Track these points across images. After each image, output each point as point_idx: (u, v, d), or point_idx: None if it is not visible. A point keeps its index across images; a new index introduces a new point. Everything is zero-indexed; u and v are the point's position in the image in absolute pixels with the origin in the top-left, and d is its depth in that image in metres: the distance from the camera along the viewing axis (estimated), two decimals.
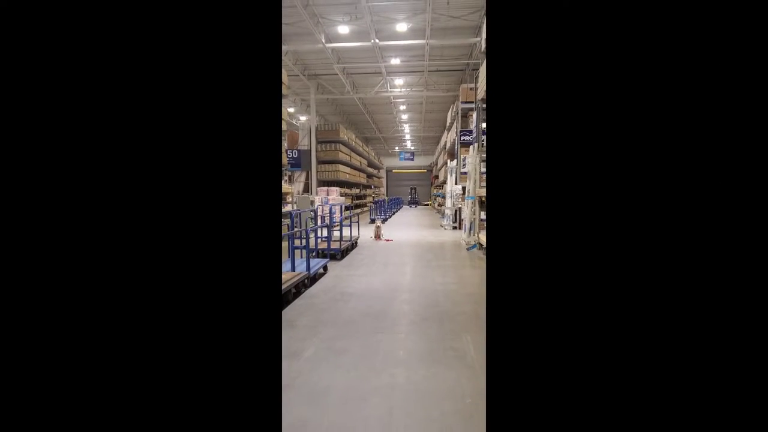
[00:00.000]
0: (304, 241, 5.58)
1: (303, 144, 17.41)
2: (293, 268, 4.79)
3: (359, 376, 2.54)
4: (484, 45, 7.91)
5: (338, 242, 7.44)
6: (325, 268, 5.80)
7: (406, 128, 27.87)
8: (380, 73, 15.22)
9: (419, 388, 2.39)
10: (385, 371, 2.61)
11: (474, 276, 5.56)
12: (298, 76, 14.74)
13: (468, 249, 8.02)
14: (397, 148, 35.01)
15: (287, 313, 3.86)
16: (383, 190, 35.22)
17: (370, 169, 27.32)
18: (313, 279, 5.08)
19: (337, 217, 8.21)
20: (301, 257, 5.52)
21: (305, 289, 4.70)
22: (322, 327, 3.46)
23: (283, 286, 3.97)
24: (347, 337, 3.22)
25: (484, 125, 8.76)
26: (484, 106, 8.82)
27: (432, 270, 5.96)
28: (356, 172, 21.99)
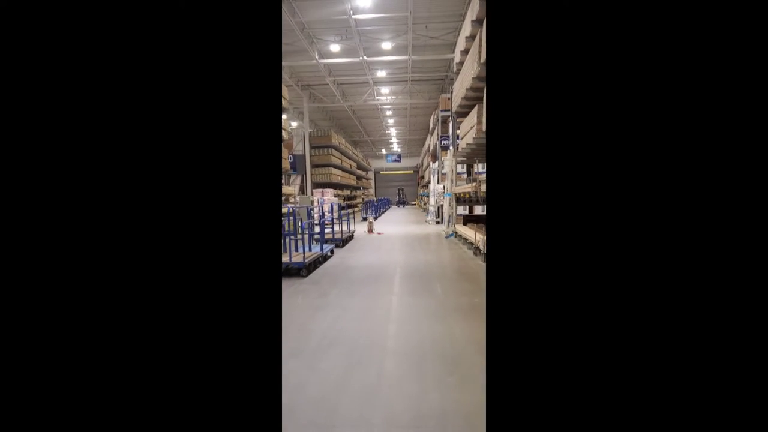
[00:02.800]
0: (311, 230, 7.09)
1: (297, 149, 18.80)
2: (310, 249, 6.31)
3: (368, 302, 4.10)
4: (456, 67, 9.47)
5: (339, 234, 8.97)
6: (331, 251, 7.33)
7: (393, 132, 29.33)
8: (368, 83, 16.76)
9: (405, 305, 3.97)
10: (384, 300, 4.17)
11: (448, 255, 7.16)
12: (292, 86, 16.19)
13: (446, 237, 9.61)
14: (384, 150, 36.22)
15: (312, 277, 5.41)
16: (372, 191, 36.03)
17: (359, 171, 28.30)
18: (324, 258, 6.60)
19: (336, 214, 9.71)
20: (314, 243, 7.03)
21: (320, 265, 6.23)
22: (338, 283, 5.02)
23: (307, 260, 5.51)
24: (357, 286, 4.80)
25: (458, 131, 10.34)
26: (458, 117, 10.42)
27: (415, 252, 7.54)
28: (347, 175, 23.17)
